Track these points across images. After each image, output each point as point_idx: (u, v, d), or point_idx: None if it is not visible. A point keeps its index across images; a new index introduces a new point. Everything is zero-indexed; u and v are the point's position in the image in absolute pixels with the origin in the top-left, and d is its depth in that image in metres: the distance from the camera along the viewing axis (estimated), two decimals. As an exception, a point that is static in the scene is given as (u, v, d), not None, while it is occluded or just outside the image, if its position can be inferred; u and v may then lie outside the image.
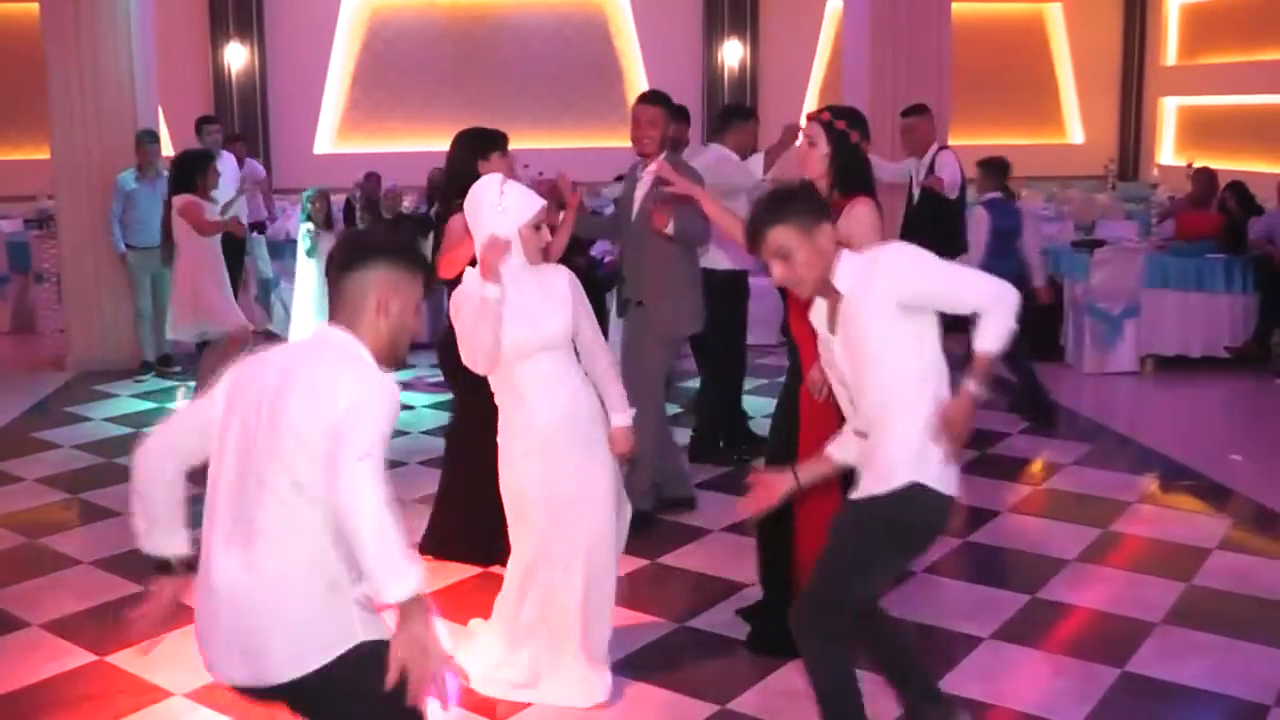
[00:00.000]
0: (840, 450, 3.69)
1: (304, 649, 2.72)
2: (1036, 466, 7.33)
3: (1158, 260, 9.76)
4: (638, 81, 16.99)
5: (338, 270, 2.89)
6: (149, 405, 8.97)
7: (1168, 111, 17.91)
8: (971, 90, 16.04)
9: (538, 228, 4.17)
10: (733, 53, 17.00)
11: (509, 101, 15.90)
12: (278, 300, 10.98)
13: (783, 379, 4.79)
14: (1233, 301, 9.82)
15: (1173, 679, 4.46)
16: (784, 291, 4.40)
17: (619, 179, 8.35)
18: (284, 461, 2.69)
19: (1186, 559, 5.66)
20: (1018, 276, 7.35)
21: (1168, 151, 17.83)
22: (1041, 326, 10.11)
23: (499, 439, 4.35)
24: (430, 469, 7.08)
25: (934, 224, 7.86)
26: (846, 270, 3.43)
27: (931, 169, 8.17)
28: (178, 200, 8.08)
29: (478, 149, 5.42)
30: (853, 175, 4.51)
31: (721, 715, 4.23)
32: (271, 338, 10.97)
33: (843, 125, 4.53)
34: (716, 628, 4.93)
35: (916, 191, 8.37)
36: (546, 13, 16.70)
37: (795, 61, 17.02)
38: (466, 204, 4.25)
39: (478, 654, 4.50)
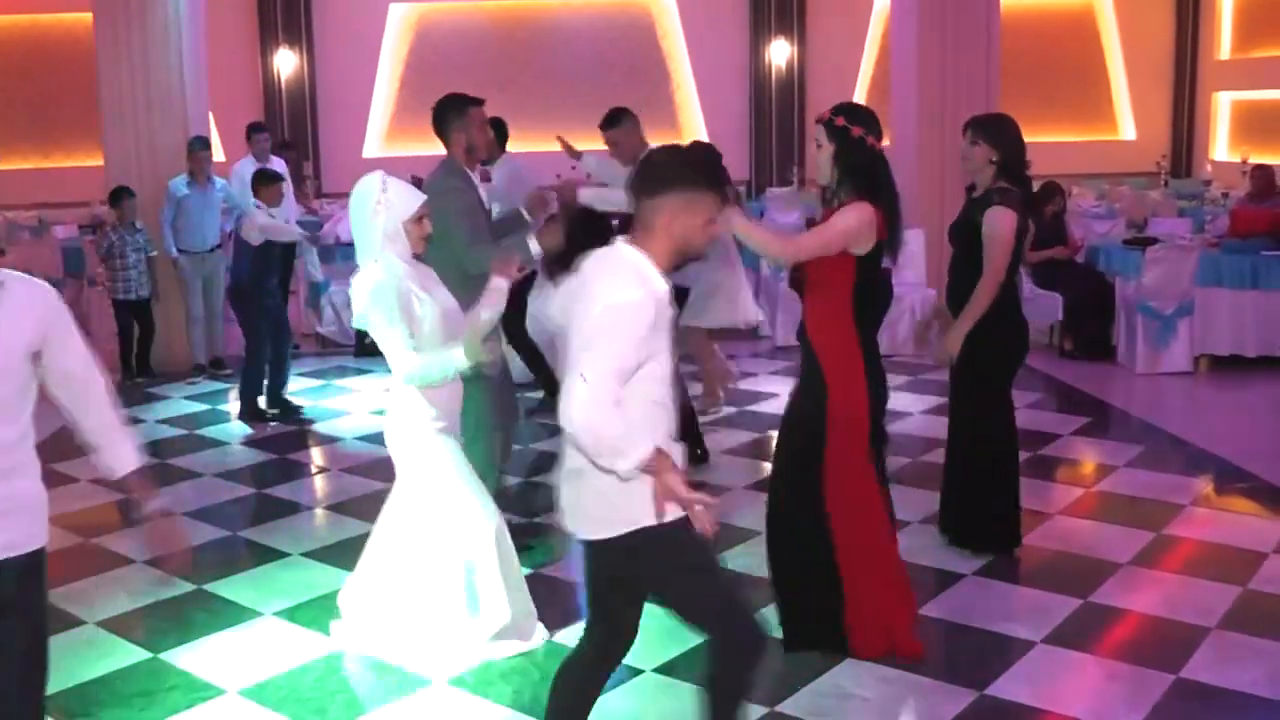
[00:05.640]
0: None
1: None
2: (1088, 468, 7.25)
3: (1211, 258, 9.62)
4: (684, 82, 17.01)
5: (634, 194, 3.21)
6: (201, 407, 9.06)
7: (1221, 106, 17.69)
8: (1020, 86, 15.92)
9: (419, 220, 4.42)
10: (780, 52, 16.97)
11: (555, 103, 15.94)
12: (328, 303, 11.05)
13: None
14: (1289, 299, 9.66)
15: (1227, 685, 4.40)
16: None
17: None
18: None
19: (1242, 563, 5.57)
20: None
21: (1221, 147, 17.61)
22: (1093, 326, 10.04)
23: (415, 426, 4.49)
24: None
25: None
26: None
27: None
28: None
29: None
30: (857, 174, 4.46)
31: (771, 717, 4.22)
32: (322, 341, 11.07)
33: (841, 121, 4.45)
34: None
35: None
36: (593, 14, 16.74)
37: (843, 60, 16.97)
38: (351, 200, 4.46)
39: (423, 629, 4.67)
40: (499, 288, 4.55)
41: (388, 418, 4.57)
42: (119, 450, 3.18)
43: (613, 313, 3.00)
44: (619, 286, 3.04)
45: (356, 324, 4.49)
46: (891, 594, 4.69)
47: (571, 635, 4.85)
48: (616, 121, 7.03)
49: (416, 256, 4.49)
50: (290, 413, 8.61)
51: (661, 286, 3.12)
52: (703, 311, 7.88)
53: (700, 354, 8.23)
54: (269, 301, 8.58)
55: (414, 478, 4.57)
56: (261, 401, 8.61)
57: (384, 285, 4.29)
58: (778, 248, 4.76)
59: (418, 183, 8.10)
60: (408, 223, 4.39)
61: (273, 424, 8.47)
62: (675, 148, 3.46)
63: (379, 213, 4.35)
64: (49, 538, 3.03)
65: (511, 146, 8.83)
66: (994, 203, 5.38)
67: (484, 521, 4.59)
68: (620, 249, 3.18)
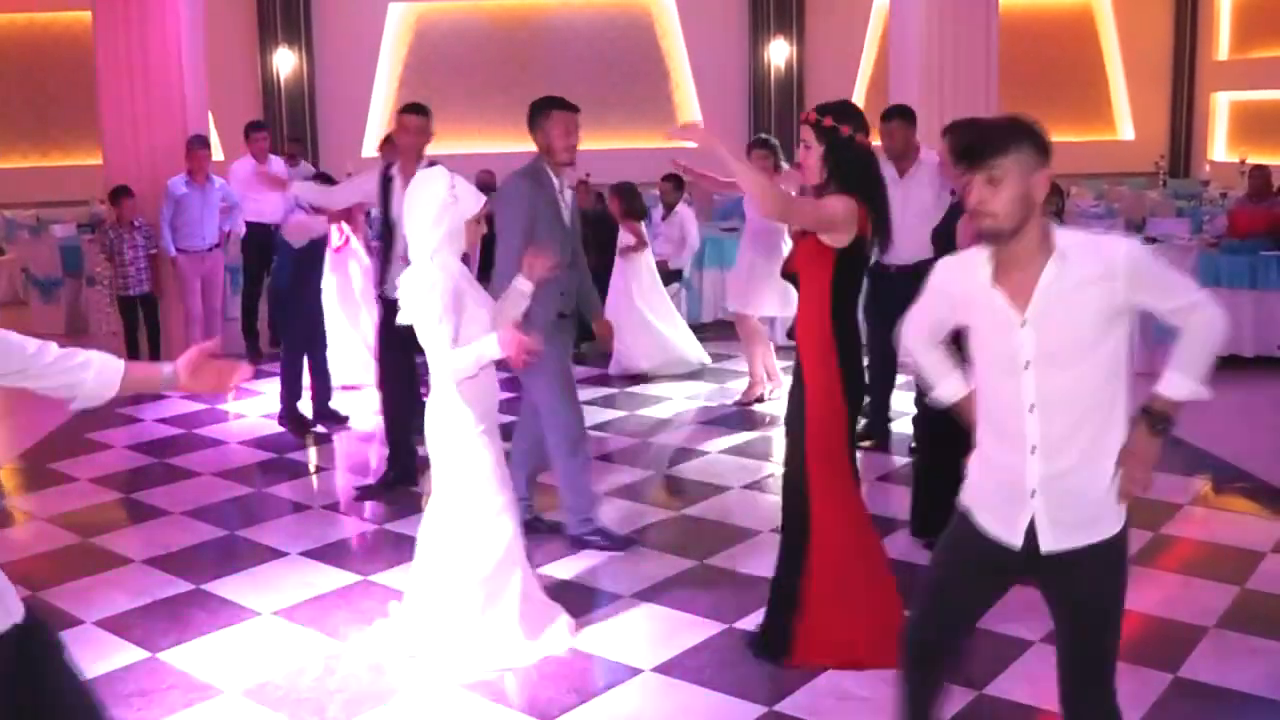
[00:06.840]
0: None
1: None
2: (1087, 467, 7.24)
3: (1209, 258, 9.63)
4: (684, 82, 17.01)
5: None
6: (200, 406, 9.05)
7: (1220, 107, 17.71)
8: (1020, 86, 15.94)
9: (478, 222, 4.50)
10: (779, 51, 16.97)
11: (555, 103, 15.91)
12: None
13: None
14: (1287, 299, 9.65)
15: (1226, 684, 4.40)
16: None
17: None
18: None
19: (1240, 562, 5.57)
20: None
21: (1220, 148, 17.62)
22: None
23: (457, 427, 4.48)
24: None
25: None
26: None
27: None
28: None
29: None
30: (849, 171, 4.44)
31: (769, 717, 4.22)
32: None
33: (830, 121, 4.45)
34: (763, 629, 4.90)
35: None
36: (592, 14, 16.74)
37: (842, 60, 16.98)
38: (413, 197, 4.44)
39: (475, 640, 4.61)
40: (523, 290, 4.72)
41: (428, 417, 4.57)
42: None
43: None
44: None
45: (404, 320, 4.48)
46: (853, 605, 4.56)
47: (584, 640, 4.85)
48: (422, 111, 6.99)
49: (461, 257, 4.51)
50: (338, 422, 8.38)
51: (975, 259, 3.11)
52: (753, 299, 7.85)
53: (748, 340, 8.22)
54: (311, 306, 8.24)
55: (447, 478, 4.56)
56: (305, 410, 8.38)
57: (440, 283, 4.31)
58: (772, 193, 4.64)
59: (489, 177, 8.10)
60: (469, 221, 4.43)
61: (318, 430, 8.28)
62: None
63: (446, 213, 4.37)
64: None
65: (510, 147, 8.87)
66: None
67: (504, 532, 4.59)
68: None
